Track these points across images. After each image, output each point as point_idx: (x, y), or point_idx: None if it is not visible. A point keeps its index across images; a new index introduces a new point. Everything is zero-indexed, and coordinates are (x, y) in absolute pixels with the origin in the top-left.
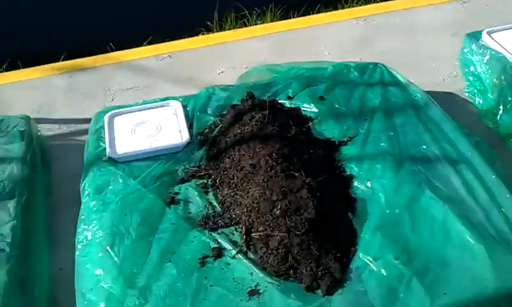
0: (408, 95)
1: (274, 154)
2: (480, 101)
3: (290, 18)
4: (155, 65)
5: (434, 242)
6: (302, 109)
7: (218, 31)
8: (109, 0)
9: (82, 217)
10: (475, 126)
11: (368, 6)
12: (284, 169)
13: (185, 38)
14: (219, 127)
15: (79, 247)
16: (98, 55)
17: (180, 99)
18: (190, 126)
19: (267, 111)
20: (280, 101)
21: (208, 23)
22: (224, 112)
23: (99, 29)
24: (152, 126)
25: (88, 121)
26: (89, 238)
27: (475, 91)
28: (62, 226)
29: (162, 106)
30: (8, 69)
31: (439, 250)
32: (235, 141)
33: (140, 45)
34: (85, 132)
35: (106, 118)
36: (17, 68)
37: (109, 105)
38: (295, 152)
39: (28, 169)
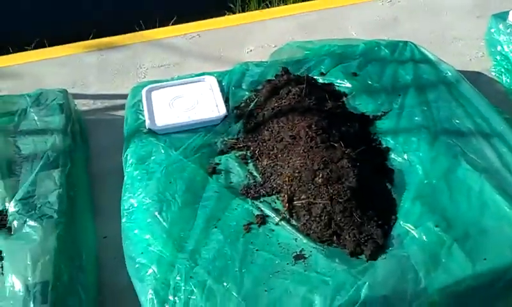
0: (439, 72)
1: (313, 126)
2: (508, 80)
3: None
4: (184, 44)
5: (471, 211)
6: (335, 84)
7: (240, 12)
8: None
9: (127, 185)
10: (503, 104)
11: None
12: (324, 140)
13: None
14: (254, 101)
15: (126, 214)
16: (127, 34)
17: (215, 75)
18: (226, 101)
19: (304, 85)
20: (308, 75)
21: (231, 5)
22: (259, 87)
23: (124, 9)
24: (189, 101)
25: (122, 96)
26: (135, 205)
27: (502, 70)
28: (103, 196)
29: (197, 81)
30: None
31: (477, 218)
32: (273, 113)
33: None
34: (120, 107)
35: (144, 92)
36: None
37: (141, 81)
38: (333, 125)
39: (69, 141)
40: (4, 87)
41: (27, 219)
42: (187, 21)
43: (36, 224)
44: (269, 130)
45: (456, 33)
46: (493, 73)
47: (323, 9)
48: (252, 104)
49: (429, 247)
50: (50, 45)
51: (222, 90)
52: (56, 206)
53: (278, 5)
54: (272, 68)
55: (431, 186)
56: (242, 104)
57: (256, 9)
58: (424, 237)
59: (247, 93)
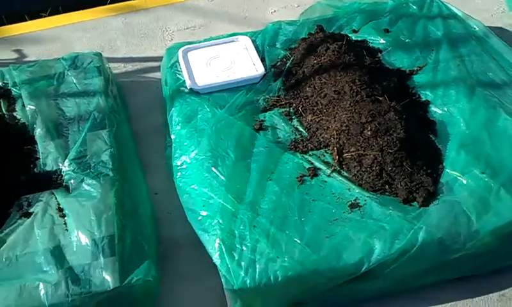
0: (467, 27)
1: (357, 81)
2: None
3: None
4: (207, 6)
5: None
6: (369, 41)
7: None
8: None
9: (176, 143)
10: None
11: None
12: (369, 94)
13: None
14: (291, 59)
15: (179, 170)
16: None
17: (248, 35)
18: (262, 59)
19: (344, 41)
20: (343, 33)
21: None
22: (294, 46)
23: None
24: (226, 60)
25: (152, 59)
26: (188, 161)
27: None
28: (147, 154)
29: (231, 41)
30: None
31: None
32: (313, 70)
33: None
34: (151, 69)
35: (180, 52)
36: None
37: (170, 44)
38: (374, 79)
39: (111, 102)
40: (31, 53)
41: (85, 178)
42: None
43: (94, 182)
44: (311, 86)
45: None
46: None
47: None
48: (289, 62)
49: (477, 193)
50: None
51: (257, 49)
52: (109, 164)
53: None
54: (305, 26)
55: (473, 136)
56: (279, 62)
57: None
58: (472, 183)
59: (282, 51)
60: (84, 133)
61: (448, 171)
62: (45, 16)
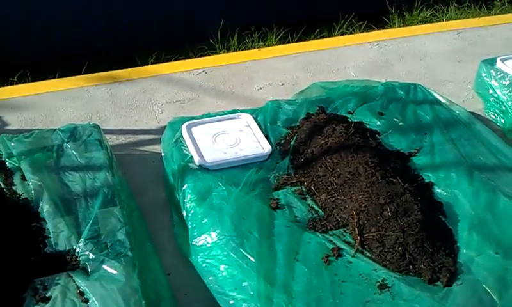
0: (452, 112)
1: (369, 162)
2: (503, 120)
3: (290, 40)
4: (193, 80)
5: None
6: (365, 123)
7: (221, 49)
8: (108, 17)
9: (193, 222)
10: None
11: (378, 31)
12: (383, 175)
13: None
14: (295, 138)
15: (200, 250)
16: (132, 68)
17: (249, 112)
18: (266, 137)
19: (352, 124)
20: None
21: (212, 41)
22: (295, 124)
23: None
24: (231, 137)
25: (145, 132)
26: (209, 241)
27: (497, 111)
28: (154, 232)
29: (233, 118)
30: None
31: None
32: (323, 150)
33: (146, 61)
34: (145, 142)
35: (184, 128)
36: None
37: (161, 117)
38: (383, 161)
39: (116, 177)
40: (12, 121)
41: (105, 259)
42: (167, 56)
43: (116, 264)
44: (323, 166)
45: (443, 76)
46: (486, 114)
47: (319, 50)
48: (293, 141)
49: (495, 272)
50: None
51: (259, 126)
52: (127, 244)
53: (259, 43)
54: (304, 106)
55: (479, 217)
56: (283, 140)
57: (236, 46)
58: (488, 263)
59: (284, 129)
60: (95, 210)
61: (464, 251)
62: (15, 83)
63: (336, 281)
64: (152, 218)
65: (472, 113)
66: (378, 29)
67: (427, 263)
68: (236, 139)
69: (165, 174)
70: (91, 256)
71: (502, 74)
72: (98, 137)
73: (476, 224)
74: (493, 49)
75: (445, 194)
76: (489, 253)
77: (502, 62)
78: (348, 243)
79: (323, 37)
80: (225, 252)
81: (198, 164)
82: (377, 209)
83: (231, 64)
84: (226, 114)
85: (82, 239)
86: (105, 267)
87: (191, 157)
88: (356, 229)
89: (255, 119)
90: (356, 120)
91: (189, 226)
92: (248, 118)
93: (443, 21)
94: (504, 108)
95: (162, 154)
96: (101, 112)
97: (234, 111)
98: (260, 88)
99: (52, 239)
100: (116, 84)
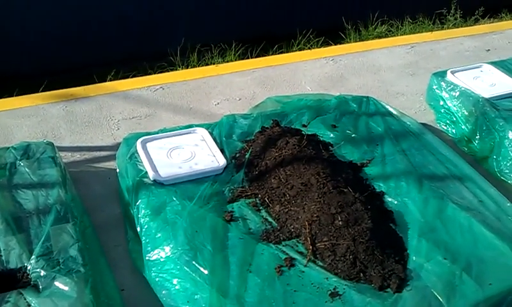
0: (403, 123)
1: (321, 173)
2: (454, 130)
3: (249, 57)
4: (150, 96)
5: (467, 244)
6: (319, 135)
7: (180, 66)
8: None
9: (147, 237)
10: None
11: (333, 47)
12: (335, 186)
13: (155, 72)
14: (250, 151)
15: (153, 265)
16: (89, 86)
17: (204, 126)
18: (221, 151)
19: (305, 136)
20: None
21: (172, 58)
22: (250, 138)
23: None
24: (186, 151)
25: (100, 148)
26: (163, 255)
27: (448, 122)
28: (108, 248)
29: (189, 132)
30: None
31: (473, 250)
32: (277, 162)
33: (105, 79)
34: (100, 159)
35: (139, 143)
36: None
37: (117, 134)
38: (335, 172)
39: (69, 194)
40: None
41: (56, 275)
42: (125, 72)
43: (67, 280)
44: (276, 178)
45: (396, 89)
46: (438, 125)
47: (276, 65)
48: (248, 154)
49: (444, 278)
50: None
51: (214, 140)
52: (79, 260)
53: (218, 60)
54: (259, 120)
55: (428, 224)
56: (238, 154)
57: (196, 63)
58: (437, 269)
59: (239, 143)
60: (47, 227)
61: (413, 258)
62: None
63: (289, 291)
64: (106, 234)
65: (424, 124)
66: (335, 45)
67: (378, 271)
68: (191, 154)
69: (120, 190)
70: (43, 273)
71: (452, 86)
72: (51, 155)
73: (425, 231)
74: (445, 62)
75: (395, 202)
76: (438, 259)
77: (453, 74)
78: (301, 253)
79: (281, 53)
80: (178, 266)
81: (152, 179)
82: (329, 219)
83: (189, 80)
84: (182, 129)
85: (33, 256)
86: (56, 283)
87: (146, 172)
88: (309, 239)
89: (211, 133)
90: (309, 133)
91: (143, 241)
92: (203, 133)
93: (397, 36)
94: (454, 119)
95: (117, 170)
96: (56, 129)
97: (190, 126)
98: (218, 103)
99: (3, 257)
100: (72, 102)
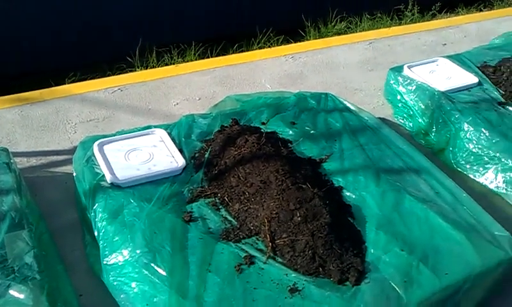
0: (361, 119)
1: (280, 170)
2: (411, 124)
3: (209, 56)
4: (108, 98)
5: (424, 235)
6: (278, 132)
7: (139, 66)
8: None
9: (104, 240)
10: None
11: (293, 45)
12: (293, 182)
13: (113, 73)
14: (209, 151)
15: (111, 269)
16: (45, 89)
17: (162, 127)
18: (180, 151)
19: (264, 134)
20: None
21: (130, 59)
22: (209, 138)
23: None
24: (144, 153)
25: (56, 152)
26: (121, 259)
27: (405, 115)
28: (65, 253)
29: (147, 134)
30: None
31: (430, 241)
32: (236, 161)
33: (63, 82)
34: (57, 163)
35: (96, 146)
36: None
37: (74, 137)
38: (294, 168)
39: (24, 200)
40: None
41: (11, 283)
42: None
43: (23, 287)
44: (235, 176)
45: (355, 85)
46: (395, 119)
47: (235, 64)
48: (207, 153)
49: (401, 269)
50: None
51: (173, 141)
52: (35, 267)
53: (178, 60)
54: (218, 119)
55: (386, 217)
56: (197, 154)
57: (155, 64)
58: (395, 261)
59: (198, 143)
60: (1, 234)
61: (371, 250)
62: None
63: (249, 289)
64: (64, 239)
65: (382, 119)
66: (295, 43)
67: (336, 265)
68: (149, 155)
69: (77, 194)
70: None
71: (408, 80)
72: (5, 161)
73: (383, 223)
74: (403, 57)
75: (353, 196)
76: (396, 251)
77: (409, 69)
78: (260, 250)
79: (242, 52)
80: (137, 269)
81: (109, 182)
82: (288, 215)
83: (148, 81)
84: (140, 130)
85: None
86: (11, 291)
87: (103, 175)
88: (268, 236)
89: (169, 134)
90: (269, 130)
91: (101, 245)
92: (161, 133)
93: (356, 32)
94: (411, 112)
95: (74, 174)
96: (11, 134)
97: (148, 127)
98: (177, 103)
99: None
100: (27, 106)
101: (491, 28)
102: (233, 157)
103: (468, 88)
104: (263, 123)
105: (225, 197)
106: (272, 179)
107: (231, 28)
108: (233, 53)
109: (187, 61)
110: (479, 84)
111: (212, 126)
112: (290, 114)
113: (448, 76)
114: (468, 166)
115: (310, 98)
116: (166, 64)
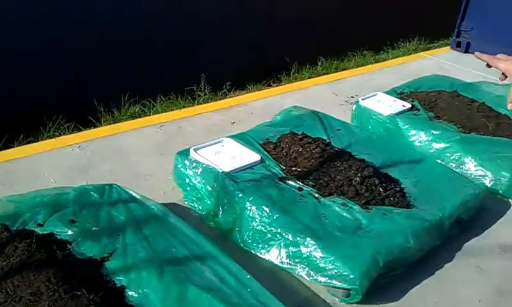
0: (146, 208)
1: (52, 278)
2: (200, 207)
3: None
4: None
5: None
6: (56, 233)
7: None
8: None
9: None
10: (200, 227)
11: (79, 133)
12: (66, 290)
13: None
14: None
15: None
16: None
17: None
18: None
19: (34, 239)
20: (30, 229)
21: None
22: None
23: None
24: None
25: None
26: None
27: (194, 198)
28: None
29: None
30: None
31: None
32: (4, 273)
33: None
34: None
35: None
36: None
37: None
38: (70, 273)
39: None
40: None
41: None
42: None
43: None
44: (4, 291)
45: (146, 170)
46: (186, 202)
47: (15, 159)
48: None
49: None
50: None
51: None
52: None
53: None
54: None
55: None
56: None
57: None
58: None
59: None
60: None
61: None
62: None
63: None
64: None
65: (173, 204)
66: (90, 129)
67: None
68: None
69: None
70: None
71: (195, 163)
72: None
73: None
74: (193, 138)
75: (136, 295)
76: None
77: (195, 151)
78: None
79: (29, 143)
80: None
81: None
82: None
83: None
84: None
85: None
86: None
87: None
88: None
89: None
90: (45, 232)
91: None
92: None
93: (149, 115)
94: (199, 195)
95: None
96: None
97: None
98: None
99: None
100: None
101: (277, 103)
102: (1, 269)
103: (251, 166)
104: (39, 225)
105: None
106: (44, 289)
107: (14, 116)
108: (18, 145)
109: None
110: (262, 161)
111: None
112: (69, 212)
113: (233, 155)
114: (254, 245)
115: (93, 191)
116: None
